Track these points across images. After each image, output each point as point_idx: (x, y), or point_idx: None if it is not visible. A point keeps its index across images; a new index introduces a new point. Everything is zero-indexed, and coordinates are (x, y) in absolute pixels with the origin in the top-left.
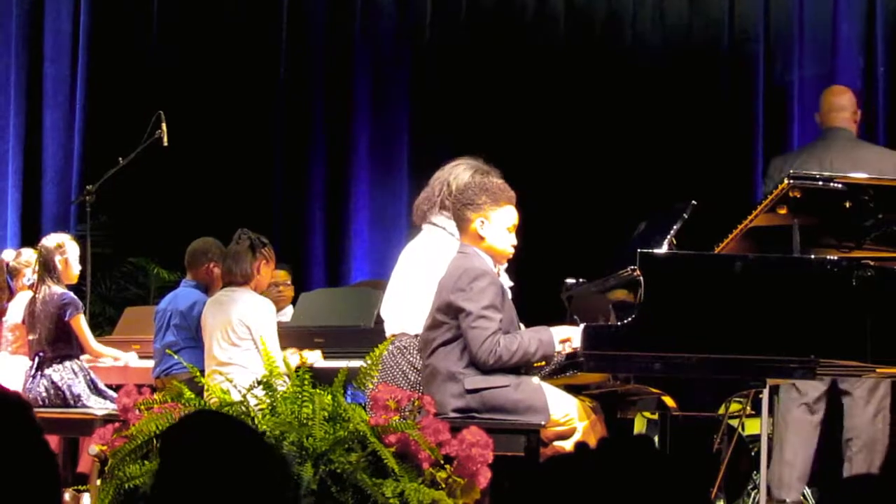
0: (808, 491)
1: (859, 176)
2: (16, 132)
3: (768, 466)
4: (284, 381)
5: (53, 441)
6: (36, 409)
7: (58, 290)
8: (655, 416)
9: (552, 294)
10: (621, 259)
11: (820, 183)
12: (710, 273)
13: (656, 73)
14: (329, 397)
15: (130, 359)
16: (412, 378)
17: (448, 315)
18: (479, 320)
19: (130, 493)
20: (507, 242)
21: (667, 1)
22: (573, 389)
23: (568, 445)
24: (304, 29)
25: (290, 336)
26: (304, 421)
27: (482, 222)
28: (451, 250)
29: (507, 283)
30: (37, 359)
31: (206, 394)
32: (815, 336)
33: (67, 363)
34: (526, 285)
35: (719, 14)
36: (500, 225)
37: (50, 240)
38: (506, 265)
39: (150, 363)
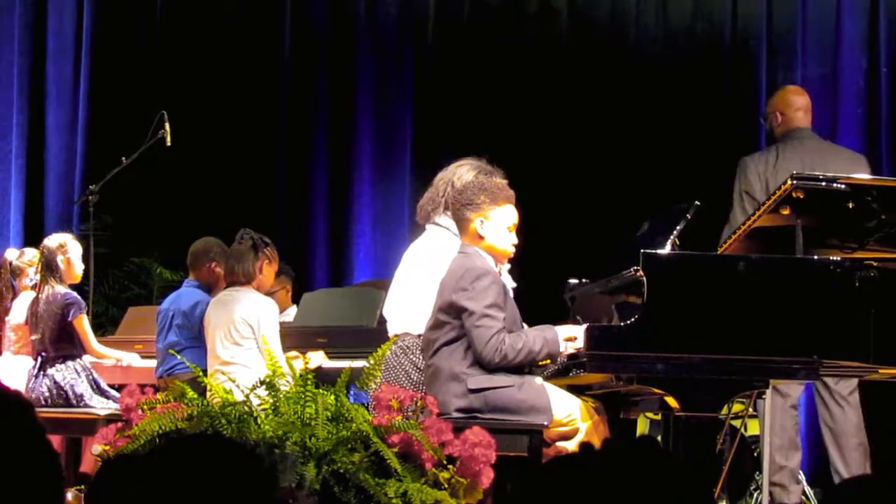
0: (809, 491)
1: (862, 177)
2: (19, 132)
3: (770, 468)
4: (287, 381)
5: (56, 441)
6: (39, 409)
7: (61, 289)
8: (658, 417)
9: (555, 294)
10: (624, 259)
11: (823, 184)
12: (712, 273)
13: (659, 72)
14: (332, 397)
15: (133, 360)
16: (415, 378)
17: (450, 315)
18: (482, 319)
19: None
20: (507, 241)
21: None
22: (576, 390)
23: (571, 446)
24: (308, 30)
25: (293, 336)
26: (307, 421)
27: (482, 222)
28: (454, 250)
29: (510, 283)
30: (39, 358)
31: (208, 393)
32: (817, 336)
33: (70, 363)
34: (529, 286)
35: (722, 13)
36: (499, 224)
37: (52, 240)
38: (508, 265)
39: (153, 363)
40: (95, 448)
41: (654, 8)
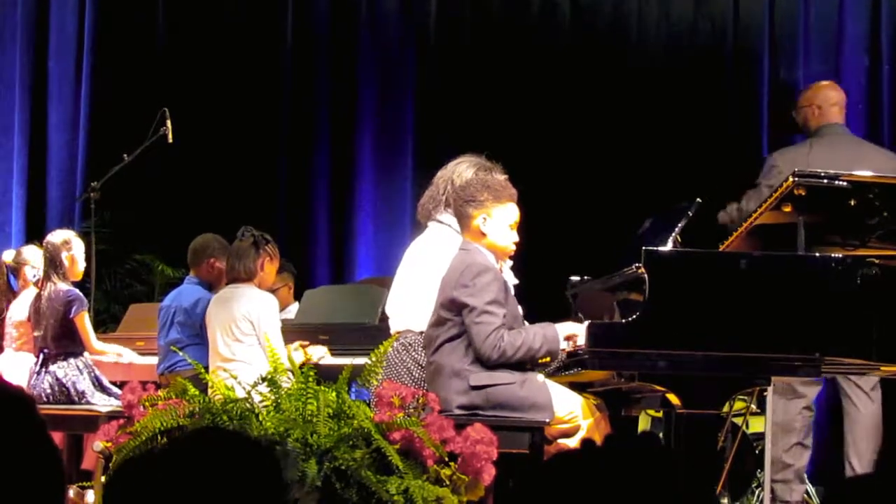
0: (811, 489)
1: (864, 174)
2: (20, 129)
3: (772, 465)
4: (288, 378)
5: (58, 437)
6: (40, 406)
7: (63, 286)
8: (660, 414)
9: (557, 291)
10: (626, 257)
11: (825, 181)
12: (714, 271)
13: (661, 71)
14: (333, 394)
15: (133, 357)
16: (417, 375)
17: (452, 311)
18: (482, 315)
19: None
20: (508, 239)
21: None
22: (578, 387)
23: (572, 443)
24: (309, 27)
25: (295, 333)
26: (309, 417)
27: (484, 219)
28: (456, 247)
29: (511, 280)
30: (41, 355)
31: (210, 390)
32: (819, 334)
33: (72, 360)
34: (530, 283)
35: (724, 12)
36: (502, 222)
37: (56, 236)
38: (510, 263)
39: (154, 360)
40: (97, 445)
41: (657, 6)
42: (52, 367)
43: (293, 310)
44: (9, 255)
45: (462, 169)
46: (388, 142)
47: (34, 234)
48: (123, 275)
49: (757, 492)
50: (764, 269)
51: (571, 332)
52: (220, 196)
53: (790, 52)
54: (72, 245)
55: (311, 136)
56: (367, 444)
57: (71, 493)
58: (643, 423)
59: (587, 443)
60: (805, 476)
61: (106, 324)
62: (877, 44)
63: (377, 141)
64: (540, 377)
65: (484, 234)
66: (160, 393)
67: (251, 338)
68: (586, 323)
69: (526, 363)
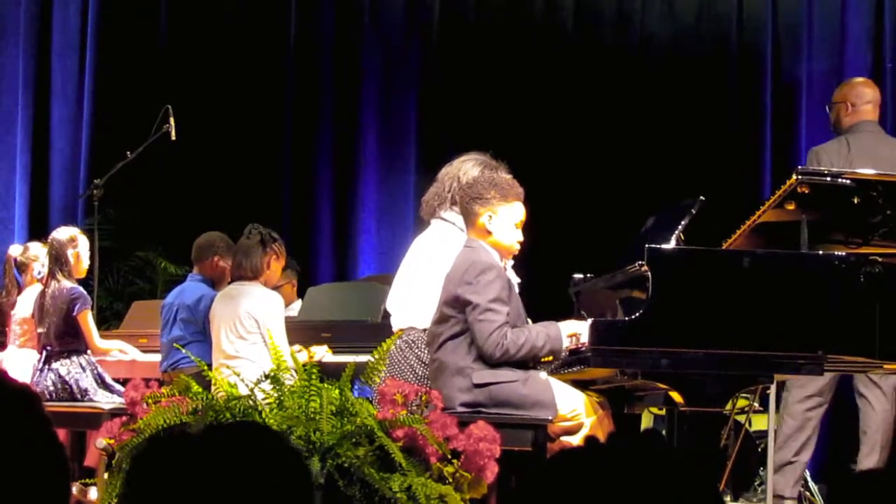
0: (814, 486)
1: (868, 172)
2: (24, 126)
3: (775, 462)
4: (292, 375)
5: (61, 434)
6: (43, 403)
7: (67, 284)
8: (662, 412)
9: (560, 289)
10: (629, 254)
11: (828, 179)
12: (717, 268)
13: (665, 68)
14: (336, 391)
15: (135, 354)
16: (420, 372)
17: (455, 309)
18: (485, 313)
19: None
20: (513, 238)
21: None
22: (580, 385)
23: (575, 441)
24: (313, 24)
25: (298, 330)
26: (312, 415)
27: (490, 217)
28: (460, 245)
29: (514, 279)
30: (45, 352)
31: (213, 387)
32: (822, 332)
33: (75, 357)
34: (534, 281)
35: (728, 10)
36: (507, 220)
37: (62, 233)
38: (513, 261)
39: (157, 357)
40: (100, 442)
41: (660, 4)
42: (55, 365)
43: (296, 307)
44: (15, 251)
45: (468, 167)
46: (392, 139)
47: (37, 230)
48: (126, 272)
49: (759, 489)
50: (767, 267)
51: (574, 331)
52: (223, 193)
53: (793, 49)
54: (78, 242)
55: (314, 133)
56: (370, 441)
57: (74, 489)
58: (646, 421)
59: (590, 440)
60: (806, 472)
61: (109, 321)
62: (880, 41)
63: (380, 139)
64: (543, 375)
65: (489, 232)
66: (163, 390)
67: (255, 335)
68: (589, 321)
69: (528, 361)
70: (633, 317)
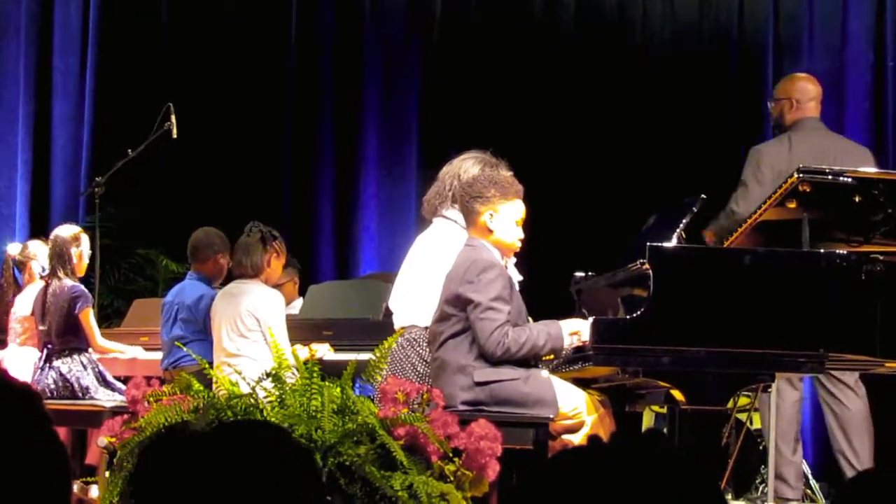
0: (815, 485)
1: (869, 170)
2: (25, 124)
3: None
4: (293, 373)
5: (62, 433)
6: (44, 401)
7: (69, 282)
8: (664, 410)
9: (561, 288)
10: (630, 253)
11: (830, 177)
12: (718, 267)
13: (666, 67)
14: (338, 390)
15: (137, 354)
16: (421, 370)
17: (456, 307)
18: (487, 311)
19: None
20: (514, 236)
21: None
22: (582, 383)
23: (576, 439)
24: (314, 23)
25: (299, 328)
26: (313, 413)
27: (491, 215)
28: (462, 243)
29: (516, 277)
30: (45, 350)
31: (214, 386)
32: (824, 330)
33: (76, 356)
34: (535, 279)
35: (729, 10)
36: (508, 218)
37: (65, 231)
38: (513, 260)
39: (159, 355)
40: (101, 440)
41: (661, 4)
42: (55, 363)
43: (298, 305)
44: (14, 249)
45: (468, 165)
46: (393, 138)
47: (38, 228)
48: (127, 270)
49: (761, 487)
50: (768, 265)
51: (576, 329)
52: (225, 192)
53: (794, 48)
54: (80, 241)
55: (315, 131)
56: (372, 439)
57: (75, 488)
58: (647, 420)
59: (592, 439)
60: (807, 469)
61: (110, 319)
62: (881, 40)
63: (382, 137)
64: (544, 373)
65: (490, 231)
66: (165, 388)
67: (256, 333)
68: (591, 319)
69: (530, 360)
70: (634, 315)
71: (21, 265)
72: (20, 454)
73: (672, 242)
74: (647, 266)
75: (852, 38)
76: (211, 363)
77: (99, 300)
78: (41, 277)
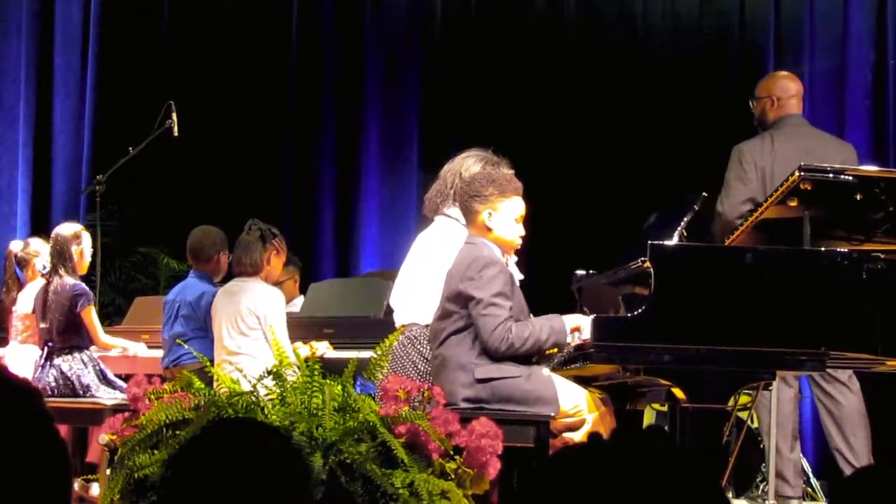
0: (816, 483)
1: (870, 168)
2: (26, 122)
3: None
4: (294, 371)
5: (63, 430)
6: (45, 399)
7: (70, 280)
8: (665, 408)
9: (563, 285)
10: (631, 251)
11: (831, 175)
12: (720, 265)
13: (667, 64)
14: (339, 388)
15: (139, 350)
16: (422, 368)
17: (458, 304)
18: (489, 308)
19: (140, 482)
20: (514, 233)
21: None
22: (583, 381)
23: (577, 437)
24: (315, 21)
25: (300, 326)
26: (314, 411)
27: (490, 214)
28: (463, 241)
29: (517, 275)
30: (46, 348)
31: (215, 384)
32: (825, 328)
33: (77, 354)
34: (536, 277)
35: (730, 7)
36: (507, 216)
37: (66, 229)
38: (515, 257)
39: (160, 353)
40: (102, 438)
41: (662, 1)
42: (56, 361)
43: (299, 303)
44: (16, 246)
45: (469, 163)
46: (394, 136)
47: (39, 226)
48: (128, 268)
49: (761, 486)
50: (769, 263)
51: (578, 324)
52: (226, 190)
53: (796, 46)
54: (81, 239)
55: (316, 130)
56: (373, 437)
57: (76, 485)
58: (648, 418)
59: (593, 437)
60: (807, 467)
61: (111, 317)
62: (883, 38)
63: (383, 135)
64: (546, 371)
65: (490, 229)
66: (166, 386)
67: (257, 332)
68: (592, 317)
69: (533, 355)
70: (635, 313)
71: (23, 263)
72: (21, 452)
73: (673, 240)
74: (648, 264)
75: (853, 37)
76: (212, 361)
77: (100, 298)
78: (42, 275)
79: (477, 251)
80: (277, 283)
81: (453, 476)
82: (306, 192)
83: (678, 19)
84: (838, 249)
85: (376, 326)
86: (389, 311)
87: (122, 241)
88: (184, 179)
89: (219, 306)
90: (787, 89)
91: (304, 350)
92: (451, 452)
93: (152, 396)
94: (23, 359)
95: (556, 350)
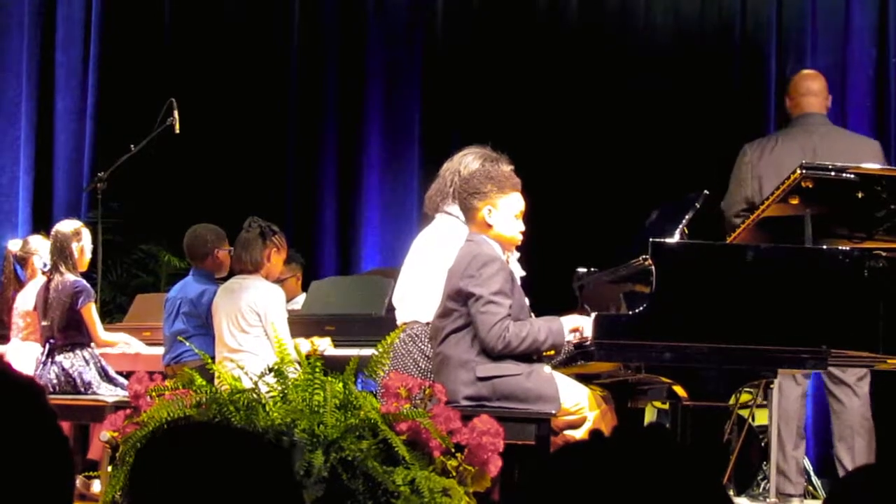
0: (817, 482)
1: (872, 166)
2: (27, 119)
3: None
4: (296, 369)
5: (64, 427)
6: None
7: (71, 277)
8: (666, 406)
9: (564, 283)
10: (633, 248)
11: (832, 173)
12: (721, 263)
13: (668, 62)
14: (340, 385)
15: (140, 346)
16: (423, 366)
17: (458, 302)
18: (488, 305)
19: None
20: (515, 229)
21: None
22: (584, 378)
23: (578, 435)
24: (317, 18)
25: (301, 324)
26: (316, 408)
27: (489, 210)
28: (464, 239)
29: (518, 272)
30: (48, 345)
31: (216, 381)
32: (826, 326)
33: (78, 351)
34: (537, 274)
35: (731, 4)
36: (507, 212)
37: (66, 226)
38: (517, 254)
39: (161, 350)
40: (103, 435)
41: None
42: (58, 358)
43: (300, 301)
44: (15, 245)
45: (469, 160)
46: (395, 133)
47: (40, 223)
48: (130, 265)
49: (763, 484)
50: (771, 261)
51: (577, 325)
52: (227, 187)
53: (797, 44)
54: (81, 235)
55: (318, 127)
56: (374, 435)
57: (77, 482)
58: (649, 415)
59: (594, 434)
60: (809, 466)
61: (112, 314)
62: (884, 35)
63: (384, 132)
64: (547, 368)
65: (490, 226)
66: (167, 383)
67: (258, 329)
68: (593, 314)
69: (531, 355)
70: (636, 310)
71: (22, 261)
72: (24, 448)
73: (675, 238)
74: (649, 261)
75: (855, 34)
76: (213, 358)
77: (101, 295)
78: (43, 273)
79: (477, 248)
80: (279, 281)
81: (454, 473)
82: (308, 189)
83: (680, 16)
84: (840, 247)
85: (377, 324)
86: (391, 308)
87: (123, 239)
88: (185, 177)
89: (220, 304)
90: (800, 88)
91: (305, 345)
92: (453, 450)
93: (154, 393)
94: (24, 356)
95: (552, 352)
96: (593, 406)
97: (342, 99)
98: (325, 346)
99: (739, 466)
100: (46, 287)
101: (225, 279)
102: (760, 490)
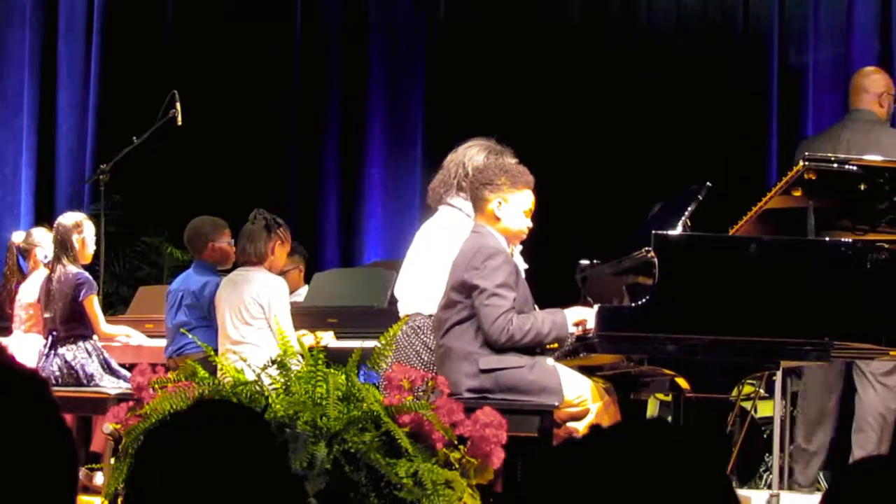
0: (821, 475)
1: (875, 158)
2: (30, 111)
3: (781, 449)
4: (298, 361)
5: (67, 420)
6: None
7: (73, 269)
8: (669, 398)
9: (567, 275)
10: (636, 240)
11: (835, 165)
12: (724, 255)
13: (671, 55)
14: (343, 377)
15: (142, 339)
16: (426, 358)
17: (462, 294)
18: (491, 298)
19: None
20: (521, 225)
21: None
22: (587, 371)
23: (581, 427)
24: (320, 11)
25: (304, 316)
26: (319, 400)
27: (499, 203)
28: (467, 231)
29: (522, 265)
30: (50, 337)
31: (219, 373)
32: (828, 318)
33: (81, 343)
34: (540, 267)
35: None
36: (517, 207)
37: (67, 218)
38: (520, 247)
39: (163, 342)
40: (106, 427)
41: None
42: (60, 350)
43: (303, 293)
44: (18, 237)
45: (473, 153)
46: (398, 125)
47: (43, 215)
48: (132, 257)
49: (765, 475)
50: (773, 253)
51: (580, 318)
52: (230, 179)
53: (800, 36)
54: (83, 228)
55: (321, 119)
56: (377, 427)
57: (80, 474)
58: (652, 407)
59: (597, 426)
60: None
61: (115, 306)
62: (887, 28)
63: (387, 124)
64: (550, 361)
65: (498, 219)
66: (170, 375)
67: (261, 321)
68: (596, 307)
69: (534, 348)
70: (639, 303)
71: (25, 252)
72: (28, 441)
73: (677, 230)
74: (652, 254)
75: (858, 26)
76: (215, 350)
77: (104, 288)
78: (45, 265)
79: (482, 241)
80: (282, 273)
81: (457, 466)
82: (311, 181)
83: (682, 9)
84: (842, 239)
85: (380, 316)
86: (393, 300)
87: (125, 231)
88: (188, 169)
89: (222, 296)
90: (853, 85)
91: (308, 338)
92: (456, 442)
93: (156, 386)
94: (27, 348)
95: (556, 345)
96: (596, 398)
97: (345, 91)
98: (327, 339)
99: (742, 458)
100: (49, 279)
101: (229, 271)
102: (763, 481)
